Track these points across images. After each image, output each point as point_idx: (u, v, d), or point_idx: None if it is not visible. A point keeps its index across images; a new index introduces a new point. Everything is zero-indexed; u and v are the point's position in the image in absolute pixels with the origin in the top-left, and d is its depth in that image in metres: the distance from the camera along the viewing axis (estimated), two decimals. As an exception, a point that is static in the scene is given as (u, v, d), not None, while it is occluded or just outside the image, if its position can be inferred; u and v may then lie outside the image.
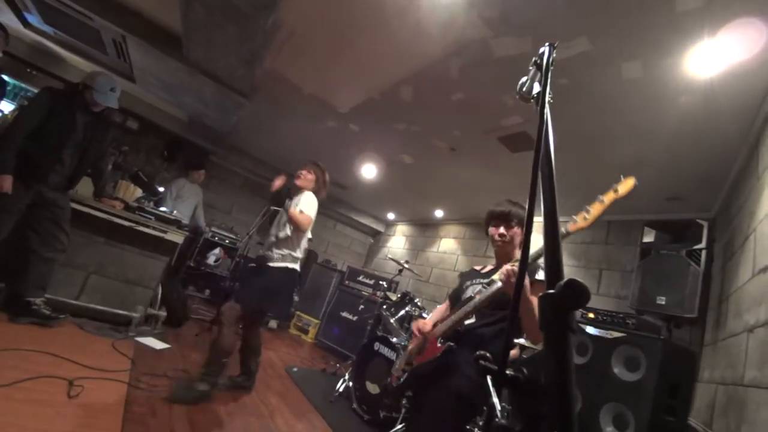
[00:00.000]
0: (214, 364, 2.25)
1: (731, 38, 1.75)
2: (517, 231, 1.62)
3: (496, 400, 0.36)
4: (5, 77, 2.74)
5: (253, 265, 2.61)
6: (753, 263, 1.86)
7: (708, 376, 2.39)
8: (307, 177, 2.59)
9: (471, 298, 1.51)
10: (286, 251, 2.47)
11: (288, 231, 2.48)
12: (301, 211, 2.41)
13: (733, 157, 2.52)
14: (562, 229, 1.05)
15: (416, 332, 1.67)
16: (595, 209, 1.07)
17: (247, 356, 2.58)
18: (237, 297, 2.44)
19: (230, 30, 2.71)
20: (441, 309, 1.86)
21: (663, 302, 2.65)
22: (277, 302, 2.58)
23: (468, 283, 1.68)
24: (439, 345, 1.53)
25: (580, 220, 1.08)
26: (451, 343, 1.49)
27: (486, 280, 1.57)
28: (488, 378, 0.39)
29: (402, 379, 1.64)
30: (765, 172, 1.92)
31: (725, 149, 2.49)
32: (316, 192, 2.59)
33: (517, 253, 1.58)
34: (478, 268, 1.81)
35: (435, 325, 1.64)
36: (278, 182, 2.72)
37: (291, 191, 2.61)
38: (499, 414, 0.35)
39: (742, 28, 1.68)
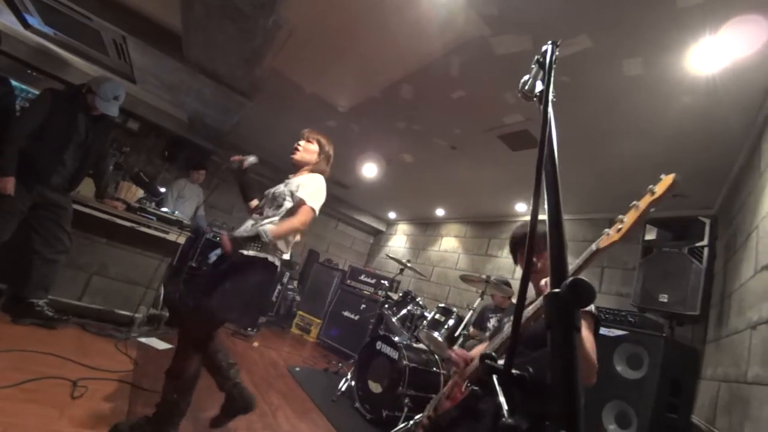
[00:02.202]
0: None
1: (733, 34, 1.74)
2: (544, 255, 1.40)
3: (502, 399, 0.36)
4: (12, 81, 2.73)
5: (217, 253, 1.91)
6: (755, 260, 1.85)
7: (711, 373, 2.38)
8: (308, 149, 2.05)
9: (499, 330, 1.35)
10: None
11: (276, 218, 1.82)
12: (302, 201, 1.80)
13: (735, 154, 2.52)
14: (593, 246, 1.00)
15: (455, 358, 1.42)
16: (630, 217, 0.91)
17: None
18: (185, 296, 1.80)
19: (230, 29, 2.70)
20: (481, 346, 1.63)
21: (665, 300, 2.65)
22: (247, 305, 1.76)
23: (506, 319, 1.52)
24: (464, 390, 1.35)
25: (613, 233, 0.94)
26: (476, 387, 1.29)
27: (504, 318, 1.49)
28: (494, 377, 0.39)
29: None
30: (767, 168, 1.91)
31: (727, 146, 2.48)
32: (321, 170, 2.04)
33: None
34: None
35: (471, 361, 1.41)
36: (235, 158, 2.10)
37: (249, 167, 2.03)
38: (506, 413, 0.35)
39: (744, 25, 1.68)
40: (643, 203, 0.89)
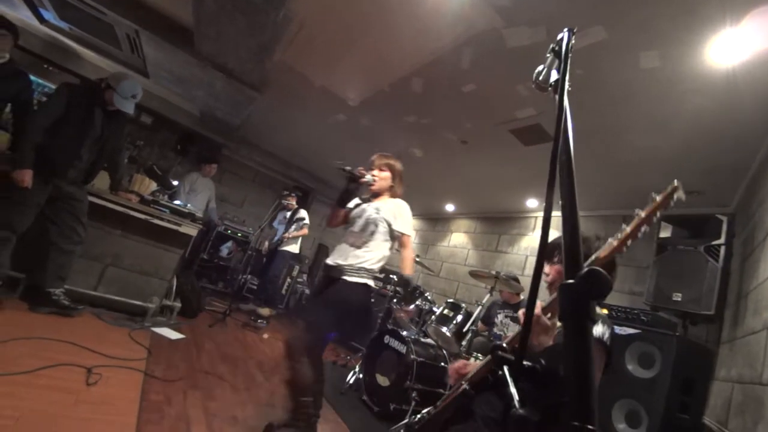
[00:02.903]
0: (297, 407, 1.84)
1: (755, 26, 1.68)
2: (559, 268, 1.33)
3: (513, 390, 0.36)
4: (30, 76, 2.79)
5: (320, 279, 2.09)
6: (774, 259, 1.80)
7: (725, 374, 2.34)
8: (382, 177, 2.15)
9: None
10: (360, 262, 1.99)
11: (372, 246, 2.02)
12: (405, 235, 2.06)
13: (755, 150, 2.44)
14: (592, 257, 0.94)
15: (453, 375, 1.39)
16: (632, 226, 0.89)
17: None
18: (306, 321, 1.94)
19: (241, 23, 2.71)
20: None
21: (679, 299, 2.60)
22: (356, 325, 2.11)
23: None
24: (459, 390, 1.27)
25: (614, 241, 0.91)
26: (467, 386, 1.21)
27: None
28: (505, 368, 0.38)
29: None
30: (789, 165, 1.85)
31: (746, 142, 2.41)
32: (399, 193, 2.21)
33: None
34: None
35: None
36: (362, 170, 2.12)
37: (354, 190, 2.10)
38: (517, 404, 0.35)
39: (766, 15, 1.62)
40: (646, 212, 0.87)
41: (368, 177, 2.08)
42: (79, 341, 2.15)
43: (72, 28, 3.86)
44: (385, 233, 2.06)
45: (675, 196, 0.83)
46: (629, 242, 0.88)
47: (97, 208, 2.81)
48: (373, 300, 1.97)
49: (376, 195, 2.18)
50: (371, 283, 2.01)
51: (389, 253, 2.10)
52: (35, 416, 1.45)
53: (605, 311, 1.28)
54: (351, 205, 2.16)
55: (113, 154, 2.88)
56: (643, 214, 0.86)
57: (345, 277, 1.94)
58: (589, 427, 0.28)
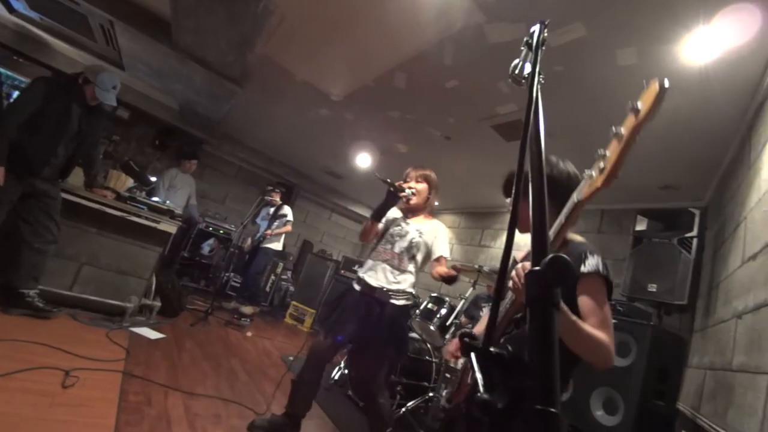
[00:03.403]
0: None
1: (726, 24, 1.74)
2: (523, 205, 1.22)
3: (479, 375, 0.37)
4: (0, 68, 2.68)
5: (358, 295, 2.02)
6: (743, 251, 1.88)
7: (697, 361, 2.43)
8: (419, 190, 2.09)
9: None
10: (403, 286, 1.99)
11: (412, 269, 2.02)
12: (442, 257, 2.00)
13: (726, 146, 2.53)
14: (574, 197, 0.79)
15: (449, 357, 1.40)
16: (612, 150, 0.67)
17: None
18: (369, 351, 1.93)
19: (220, 14, 2.65)
20: (483, 319, 1.49)
21: (654, 289, 2.69)
22: (400, 348, 2.01)
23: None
24: (470, 381, 1.23)
25: (596, 176, 0.70)
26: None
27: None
28: (473, 355, 0.39)
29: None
30: (757, 160, 1.93)
31: (718, 138, 2.49)
32: (433, 205, 2.19)
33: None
34: (521, 255, 1.32)
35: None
36: (405, 185, 2.10)
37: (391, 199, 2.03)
38: (482, 389, 0.35)
39: (737, 14, 1.67)
40: (627, 127, 0.65)
41: (408, 191, 2.04)
42: (55, 343, 2.09)
43: (43, 18, 3.71)
44: (423, 255, 2.05)
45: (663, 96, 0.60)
46: (618, 171, 0.67)
47: (72, 206, 2.72)
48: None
49: (412, 209, 2.13)
50: (410, 302, 2.04)
51: None
52: (9, 419, 1.40)
53: (581, 238, 1.07)
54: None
55: (89, 149, 2.79)
56: (624, 131, 0.65)
57: (393, 302, 1.94)
58: (551, 410, 0.29)
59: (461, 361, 1.36)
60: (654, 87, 0.61)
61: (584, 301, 0.94)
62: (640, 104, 0.63)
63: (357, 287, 2.04)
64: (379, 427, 1.93)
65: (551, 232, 0.85)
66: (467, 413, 1.12)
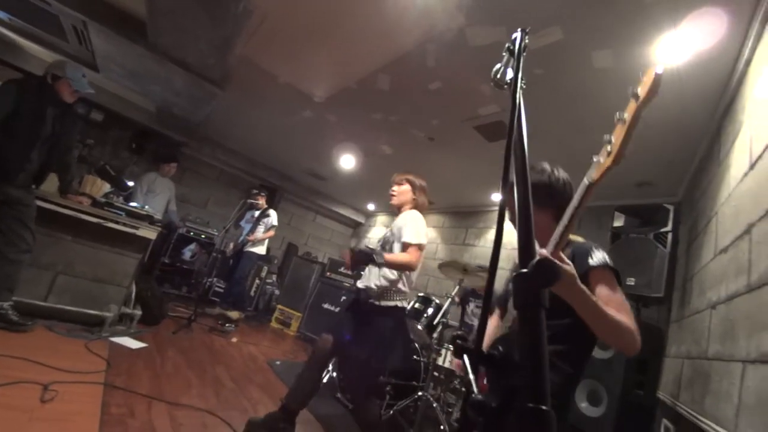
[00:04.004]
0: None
1: (694, 27, 1.81)
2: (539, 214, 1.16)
3: (472, 377, 0.37)
4: None
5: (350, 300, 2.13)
6: (715, 244, 1.96)
7: (675, 351, 2.52)
8: (401, 192, 2.23)
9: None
10: (387, 284, 2.03)
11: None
12: (406, 243, 2.01)
13: (697, 144, 2.64)
14: (585, 180, 0.81)
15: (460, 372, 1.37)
16: (617, 135, 0.76)
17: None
18: (347, 346, 1.99)
19: (199, 14, 2.61)
20: (491, 325, 1.47)
21: (632, 283, 2.77)
22: (390, 352, 2.05)
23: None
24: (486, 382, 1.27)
25: (604, 158, 0.77)
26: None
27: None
28: (465, 357, 0.40)
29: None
30: (726, 158, 2.01)
31: (691, 136, 2.59)
32: (420, 204, 2.23)
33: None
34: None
35: None
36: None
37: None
38: (475, 390, 0.36)
39: (704, 18, 1.74)
40: (630, 112, 0.74)
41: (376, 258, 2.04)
42: (32, 356, 2.01)
43: (12, 18, 3.56)
44: (400, 247, 2.06)
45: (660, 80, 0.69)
46: (625, 151, 0.75)
47: (46, 213, 2.62)
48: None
49: (396, 209, 2.26)
50: (400, 304, 2.04)
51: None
52: (-19, 438, 1.34)
53: (580, 238, 1.24)
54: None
55: (63, 154, 2.69)
56: (627, 115, 0.73)
57: (381, 303, 2.00)
58: (543, 407, 0.30)
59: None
60: (650, 73, 0.71)
61: (600, 291, 0.97)
62: (639, 90, 0.72)
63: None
64: (368, 429, 1.95)
65: (563, 223, 0.88)
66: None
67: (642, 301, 2.80)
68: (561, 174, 1.21)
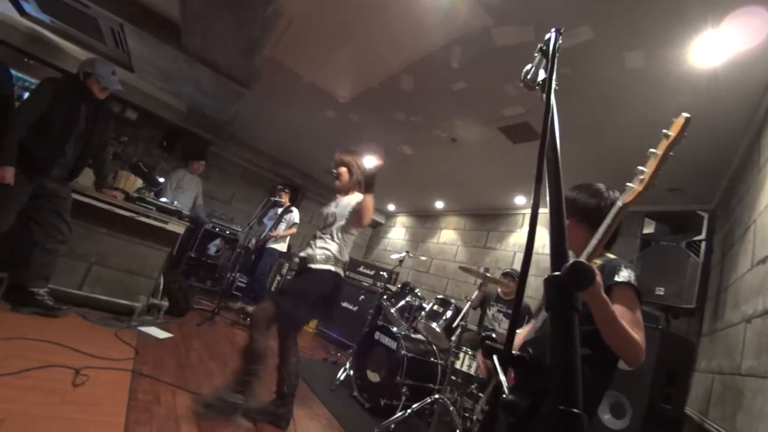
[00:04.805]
0: (245, 373, 2.06)
1: (735, 28, 1.73)
2: (570, 224, 1.29)
3: (503, 377, 0.37)
4: (11, 70, 2.72)
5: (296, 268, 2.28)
6: (752, 254, 1.87)
7: (705, 365, 2.41)
8: (341, 174, 2.30)
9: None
10: (329, 252, 2.16)
11: (330, 237, 2.20)
12: (358, 207, 2.16)
13: (735, 149, 2.52)
14: (618, 203, 0.97)
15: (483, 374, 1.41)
16: (650, 166, 0.92)
17: (282, 376, 2.16)
18: (273, 299, 2.18)
19: (229, 18, 2.68)
20: (522, 333, 1.46)
21: (662, 293, 2.67)
22: (314, 307, 2.15)
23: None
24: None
25: (636, 185, 0.94)
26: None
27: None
28: (495, 358, 0.40)
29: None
30: (767, 163, 1.92)
31: (727, 140, 2.48)
32: (357, 185, 2.30)
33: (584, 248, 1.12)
34: None
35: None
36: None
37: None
38: (506, 390, 0.36)
39: (746, 18, 1.67)
40: (661, 149, 0.90)
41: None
42: (65, 341, 2.11)
43: (54, 20, 3.76)
44: (341, 223, 2.21)
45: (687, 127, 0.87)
46: (655, 181, 0.91)
47: (82, 206, 2.75)
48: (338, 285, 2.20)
49: (339, 190, 2.34)
50: (334, 269, 2.15)
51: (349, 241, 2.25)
52: (21, 417, 1.42)
53: (612, 255, 1.14)
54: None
55: (98, 150, 2.82)
56: (659, 151, 0.89)
57: (311, 266, 2.14)
58: (575, 410, 0.29)
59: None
60: (681, 119, 0.91)
61: (618, 307, 1.02)
62: (670, 132, 0.92)
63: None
64: (244, 359, 2.09)
65: (597, 237, 1.00)
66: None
67: (672, 312, 2.70)
68: (614, 196, 1.25)
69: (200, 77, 3.81)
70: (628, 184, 0.96)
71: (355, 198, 2.24)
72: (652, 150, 0.92)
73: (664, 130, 0.90)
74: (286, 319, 2.14)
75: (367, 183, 2.13)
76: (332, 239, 2.19)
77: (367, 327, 3.57)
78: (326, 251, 2.15)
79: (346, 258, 2.23)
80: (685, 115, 0.88)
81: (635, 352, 0.97)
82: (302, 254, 2.22)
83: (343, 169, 2.31)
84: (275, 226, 4.91)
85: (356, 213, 2.16)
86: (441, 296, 3.28)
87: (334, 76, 3.36)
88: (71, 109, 2.53)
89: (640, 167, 0.94)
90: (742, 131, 2.34)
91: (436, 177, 5.13)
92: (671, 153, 0.90)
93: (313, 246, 2.20)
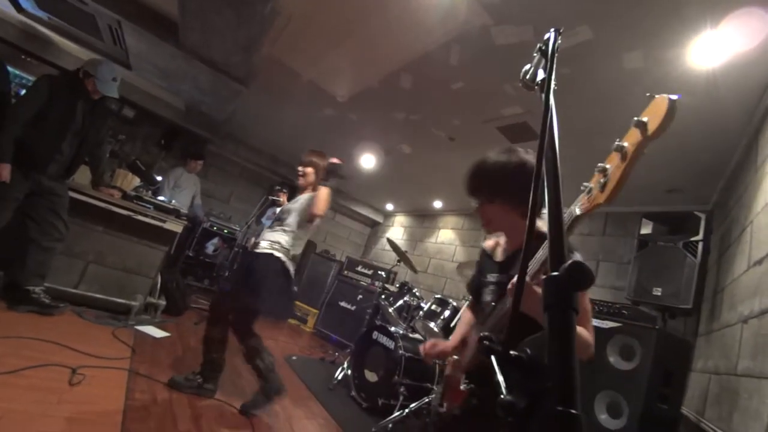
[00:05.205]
0: (204, 360, 2.19)
1: (734, 29, 1.74)
2: (496, 208, 1.16)
3: (501, 378, 0.37)
4: (8, 66, 2.70)
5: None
6: (749, 255, 1.87)
7: (701, 365, 2.42)
8: (306, 172, 2.33)
9: (491, 306, 1.15)
10: (276, 241, 2.20)
11: (283, 228, 2.26)
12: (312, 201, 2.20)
13: (733, 149, 2.53)
14: (575, 211, 0.72)
15: (425, 357, 1.37)
16: (616, 167, 0.62)
17: (209, 350, 2.19)
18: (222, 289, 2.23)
19: (227, 15, 2.67)
20: (464, 320, 1.41)
21: (659, 293, 2.68)
22: (261, 294, 2.11)
23: (484, 279, 1.28)
24: (462, 387, 1.13)
25: (596, 190, 0.65)
26: (471, 384, 1.10)
27: (495, 278, 1.23)
28: (492, 358, 0.39)
29: None
30: (764, 164, 1.92)
31: (725, 141, 2.48)
32: (318, 184, 2.29)
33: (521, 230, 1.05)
34: (490, 245, 1.31)
35: (457, 347, 1.28)
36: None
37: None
38: (504, 391, 0.36)
39: (745, 19, 1.67)
40: (631, 145, 0.59)
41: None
42: (61, 340, 2.10)
43: (51, 17, 3.73)
44: (297, 218, 2.28)
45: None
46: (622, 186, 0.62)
47: (79, 204, 2.74)
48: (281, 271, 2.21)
49: (301, 188, 2.41)
50: (276, 254, 2.17)
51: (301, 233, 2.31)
52: (17, 416, 1.41)
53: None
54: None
55: (94, 148, 2.81)
56: (629, 148, 0.59)
57: (257, 251, 2.20)
58: (573, 411, 0.29)
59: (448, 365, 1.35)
60: (663, 102, 0.56)
61: None
62: (647, 119, 0.57)
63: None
64: (252, 362, 2.14)
65: (540, 259, 0.88)
66: (463, 417, 1.12)
67: (668, 312, 2.70)
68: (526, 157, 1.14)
69: (198, 75, 3.80)
70: (586, 185, 0.70)
71: (313, 195, 2.29)
72: (618, 142, 0.62)
73: (636, 118, 0.59)
74: (235, 315, 2.19)
75: (326, 176, 2.22)
76: (283, 232, 2.25)
77: (365, 326, 3.57)
78: (273, 241, 2.20)
79: (297, 251, 2.26)
80: (671, 96, 0.56)
81: (587, 353, 0.95)
82: (247, 245, 2.28)
83: (310, 170, 2.35)
84: (272, 226, 4.90)
85: (310, 206, 2.20)
86: (439, 296, 3.28)
87: (332, 74, 3.35)
88: (68, 107, 2.52)
89: (600, 164, 0.66)
90: (739, 132, 2.35)
91: (434, 176, 5.12)
92: (640, 154, 0.59)
93: (262, 238, 2.27)
